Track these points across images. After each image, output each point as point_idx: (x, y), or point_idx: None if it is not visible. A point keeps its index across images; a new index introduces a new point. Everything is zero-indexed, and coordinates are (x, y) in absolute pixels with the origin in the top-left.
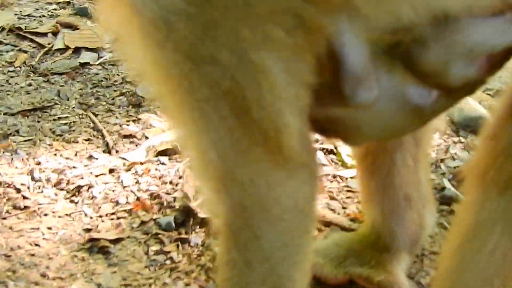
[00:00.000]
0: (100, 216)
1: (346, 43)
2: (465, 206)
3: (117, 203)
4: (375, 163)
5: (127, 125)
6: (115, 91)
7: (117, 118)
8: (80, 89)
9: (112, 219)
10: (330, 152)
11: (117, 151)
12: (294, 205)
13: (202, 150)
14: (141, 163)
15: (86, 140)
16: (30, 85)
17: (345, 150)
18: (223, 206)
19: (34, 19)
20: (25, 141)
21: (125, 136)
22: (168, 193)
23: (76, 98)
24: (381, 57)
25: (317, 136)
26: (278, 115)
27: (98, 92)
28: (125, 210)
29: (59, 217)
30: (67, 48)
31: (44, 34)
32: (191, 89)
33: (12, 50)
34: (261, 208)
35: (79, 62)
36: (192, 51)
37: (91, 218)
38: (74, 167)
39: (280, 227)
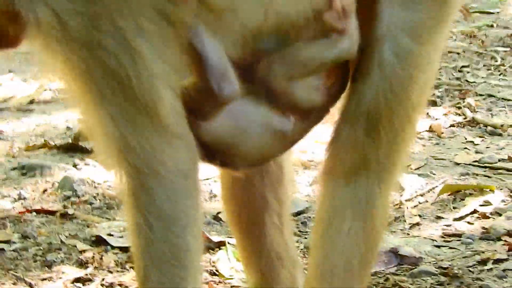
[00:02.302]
0: None
1: (205, 44)
2: (321, 198)
3: None
4: (248, 228)
5: None
6: None
7: None
8: None
9: None
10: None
11: None
12: (176, 167)
13: (101, 124)
14: None
15: None
16: None
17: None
18: (124, 173)
19: None
20: None
21: None
22: None
23: None
24: (248, 93)
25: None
26: (153, 89)
27: None
28: None
29: None
30: None
31: None
32: (88, 71)
33: None
34: (151, 170)
35: None
36: (84, 40)
37: None
38: None
39: (169, 187)
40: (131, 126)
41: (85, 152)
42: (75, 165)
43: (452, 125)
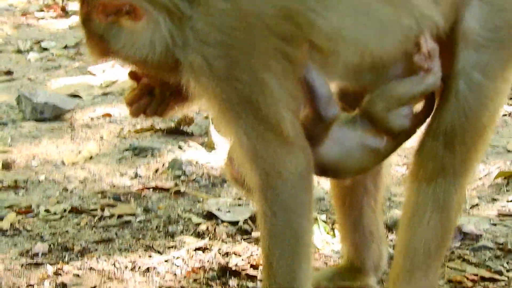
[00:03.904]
0: None
1: (314, 77)
2: (407, 195)
3: None
4: (349, 209)
5: None
6: None
7: None
8: None
9: None
10: None
11: None
12: (296, 170)
13: (237, 138)
14: None
15: None
16: None
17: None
18: (255, 175)
19: None
20: None
21: None
22: None
23: None
24: (347, 122)
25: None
26: (277, 112)
27: None
28: None
29: None
30: None
31: None
32: (228, 98)
33: None
34: (276, 172)
35: None
36: (225, 76)
37: None
38: None
39: (290, 185)
40: (261, 139)
41: (186, 135)
42: (180, 147)
43: (504, 115)
